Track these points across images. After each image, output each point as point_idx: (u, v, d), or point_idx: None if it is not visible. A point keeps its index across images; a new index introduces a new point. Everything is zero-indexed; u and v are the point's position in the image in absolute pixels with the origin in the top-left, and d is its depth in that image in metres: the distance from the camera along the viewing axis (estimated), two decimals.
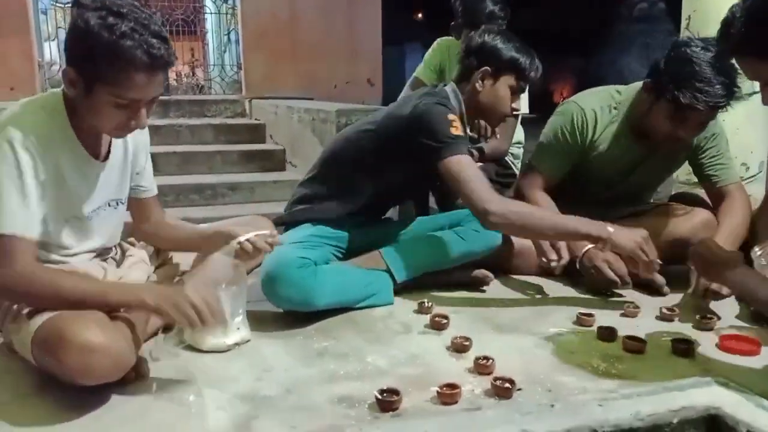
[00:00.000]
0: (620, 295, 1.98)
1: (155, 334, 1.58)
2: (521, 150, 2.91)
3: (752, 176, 2.68)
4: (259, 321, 1.71)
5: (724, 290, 1.77)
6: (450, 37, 2.75)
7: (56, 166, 1.36)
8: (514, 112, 2.04)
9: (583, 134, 2.08)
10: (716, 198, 2.08)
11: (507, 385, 1.33)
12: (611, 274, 1.88)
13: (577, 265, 1.98)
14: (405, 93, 2.71)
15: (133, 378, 1.35)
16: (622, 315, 1.82)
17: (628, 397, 1.18)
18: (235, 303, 1.56)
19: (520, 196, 2.14)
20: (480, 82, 1.93)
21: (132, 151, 1.57)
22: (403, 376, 1.42)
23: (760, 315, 1.73)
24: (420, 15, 17.97)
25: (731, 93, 1.81)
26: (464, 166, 1.78)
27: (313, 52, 5.67)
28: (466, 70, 1.97)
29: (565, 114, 2.12)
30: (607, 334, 1.64)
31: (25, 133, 1.29)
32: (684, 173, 2.60)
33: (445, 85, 1.99)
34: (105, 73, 1.27)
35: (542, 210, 1.93)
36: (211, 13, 5.95)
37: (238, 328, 1.56)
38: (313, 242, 1.83)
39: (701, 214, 2.04)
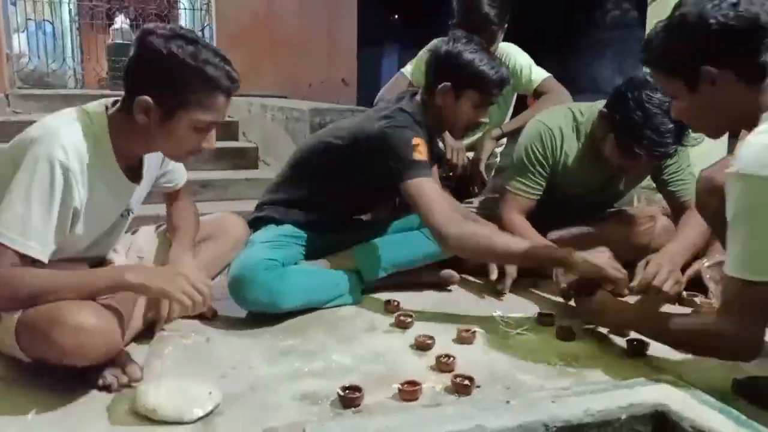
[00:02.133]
0: None
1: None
2: (496, 160, 2.85)
3: None
4: (225, 319, 1.73)
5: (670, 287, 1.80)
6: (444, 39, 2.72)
7: (90, 191, 1.35)
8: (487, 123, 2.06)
9: (553, 152, 2.10)
10: (677, 210, 2.11)
11: (466, 382, 1.37)
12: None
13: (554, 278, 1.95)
14: (384, 92, 2.70)
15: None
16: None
17: (580, 394, 1.22)
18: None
19: (497, 221, 2.13)
20: (441, 97, 1.91)
21: (164, 160, 1.61)
22: (366, 373, 1.46)
23: None
24: (397, 16, 17.99)
25: (679, 140, 1.82)
26: (424, 190, 1.77)
27: (289, 51, 5.66)
28: (429, 84, 1.94)
29: (532, 133, 2.13)
30: (565, 333, 1.70)
31: (68, 157, 1.28)
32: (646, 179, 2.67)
33: (414, 95, 1.98)
34: (188, 99, 1.31)
35: (502, 234, 1.88)
36: (185, 9, 5.90)
37: (210, 392, 1.27)
38: (281, 242, 1.85)
39: (661, 221, 2.11)
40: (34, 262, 1.27)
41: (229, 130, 4.97)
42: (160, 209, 1.81)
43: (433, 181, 1.83)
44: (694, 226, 1.98)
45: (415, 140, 1.81)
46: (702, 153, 2.50)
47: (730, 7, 1.21)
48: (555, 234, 2.20)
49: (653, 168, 2.11)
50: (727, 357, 1.38)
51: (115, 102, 1.43)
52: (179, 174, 1.73)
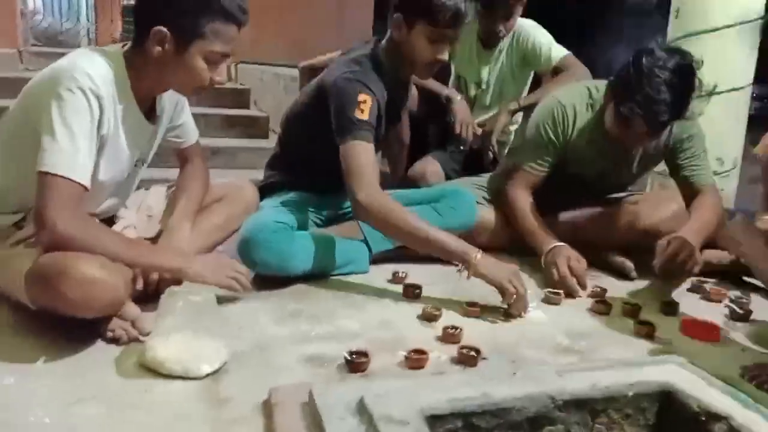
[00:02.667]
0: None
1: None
2: (510, 137, 2.78)
3: (726, 171, 2.74)
4: None
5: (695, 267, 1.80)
6: None
7: (110, 125, 1.38)
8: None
9: (564, 130, 2.07)
10: (689, 195, 2.08)
11: (472, 353, 1.37)
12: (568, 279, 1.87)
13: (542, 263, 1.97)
14: None
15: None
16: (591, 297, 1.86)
17: (587, 369, 1.22)
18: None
19: (503, 195, 2.13)
20: (396, 31, 1.81)
21: (175, 110, 1.64)
22: (373, 339, 1.46)
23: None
24: None
25: (677, 113, 1.79)
26: (356, 153, 1.70)
27: (301, 17, 5.59)
28: (389, 17, 1.84)
29: (545, 110, 2.11)
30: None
31: (96, 85, 1.31)
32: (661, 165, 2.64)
33: (380, 40, 1.88)
34: (203, 29, 1.34)
35: (414, 216, 1.74)
36: None
37: (219, 349, 1.28)
38: (290, 206, 1.84)
39: (672, 206, 2.07)
40: None
41: (240, 98, 4.94)
42: (171, 174, 1.80)
43: (369, 147, 1.73)
44: (709, 207, 1.98)
45: (361, 96, 1.73)
46: (710, 122, 2.47)
47: None
48: (567, 214, 2.19)
49: (668, 152, 2.09)
50: None
51: (126, 45, 1.45)
52: (190, 129, 1.73)
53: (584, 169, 2.13)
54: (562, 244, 1.95)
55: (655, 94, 1.74)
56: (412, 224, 1.70)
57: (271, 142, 4.44)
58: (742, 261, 1.92)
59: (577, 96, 2.10)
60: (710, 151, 2.33)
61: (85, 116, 1.30)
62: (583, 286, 1.87)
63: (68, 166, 1.27)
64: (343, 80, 1.76)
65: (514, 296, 1.64)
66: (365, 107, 1.73)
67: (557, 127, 2.07)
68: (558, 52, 2.52)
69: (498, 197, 2.20)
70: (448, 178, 2.54)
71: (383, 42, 1.87)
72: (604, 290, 1.89)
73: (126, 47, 1.44)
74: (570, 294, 1.84)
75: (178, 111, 1.66)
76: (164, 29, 1.34)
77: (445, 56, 1.83)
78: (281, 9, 5.57)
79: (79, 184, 1.29)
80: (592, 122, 2.06)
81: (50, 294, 1.24)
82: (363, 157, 1.71)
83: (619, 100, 1.83)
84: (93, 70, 1.32)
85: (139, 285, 1.45)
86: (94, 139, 1.33)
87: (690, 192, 2.08)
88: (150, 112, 1.52)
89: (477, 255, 1.67)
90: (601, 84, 2.10)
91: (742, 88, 2.70)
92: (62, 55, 1.44)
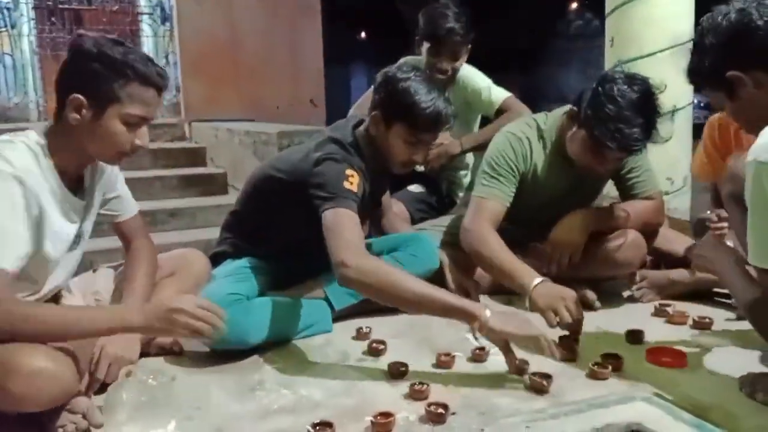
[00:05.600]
0: None
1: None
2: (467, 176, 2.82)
3: (677, 190, 2.80)
4: (192, 355, 1.67)
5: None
6: (416, 57, 2.63)
7: (40, 205, 1.36)
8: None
9: (524, 159, 2.09)
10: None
11: (440, 410, 1.34)
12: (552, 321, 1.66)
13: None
14: (354, 110, 2.69)
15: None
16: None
17: (555, 416, 1.21)
18: None
19: (467, 232, 2.03)
20: (375, 126, 1.79)
21: (109, 182, 1.61)
22: (337, 406, 1.41)
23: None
24: (364, 34, 18.10)
25: (648, 135, 1.84)
26: (341, 219, 1.62)
27: (254, 74, 5.63)
28: (368, 111, 1.82)
29: (501, 141, 2.12)
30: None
31: (14, 167, 1.30)
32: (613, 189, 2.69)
33: (359, 124, 1.88)
34: (119, 93, 1.34)
35: (406, 274, 1.59)
36: (147, 37, 5.83)
37: None
38: (244, 274, 1.81)
39: (629, 234, 2.07)
40: None
41: (196, 157, 4.91)
42: (114, 242, 1.75)
43: (354, 215, 1.66)
44: (645, 204, 2.11)
45: (349, 171, 1.70)
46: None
47: (737, 12, 1.26)
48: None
49: (614, 172, 2.12)
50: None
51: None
52: (127, 202, 1.69)
53: (542, 197, 2.15)
54: (547, 279, 1.76)
55: (629, 117, 1.79)
56: (407, 286, 1.53)
57: (231, 198, 4.40)
58: (710, 278, 1.94)
59: (527, 129, 2.14)
60: (660, 172, 2.39)
61: (7, 200, 1.27)
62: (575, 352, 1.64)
63: None
64: (332, 157, 1.73)
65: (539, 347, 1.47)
66: (353, 180, 1.70)
67: (517, 156, 2.08)
68: (498, 94, 2.59)
69: (463, 235, 2.12)
70: (412, 218, 2.56)
71: (361, 129, 1.86)
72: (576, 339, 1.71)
73: (45, 128, 1.44)
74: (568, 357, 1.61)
75: (112, 182, 1.62)
76: (80, 96, 1.34)
77: (420, 158, 1.83)
78: (235, 65, 5.61)
79: (5, 270, 1.25)
80: (546, 152, 2.09)
81: None
82: (348, 224, 1.63)
83: (596, 131, 1.85)
84: (12, 154, 1.32)
85: (83, 386, 1.36)
86: (21, 221, 1.30)
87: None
88: (78, 186, 1.50)
89: (487, 312, 1.48)
90: (545, 115, 2.16)
91: (683, 107, 2.79)
92: (11, 131, 1.45)
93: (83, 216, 1.52)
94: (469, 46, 2.54)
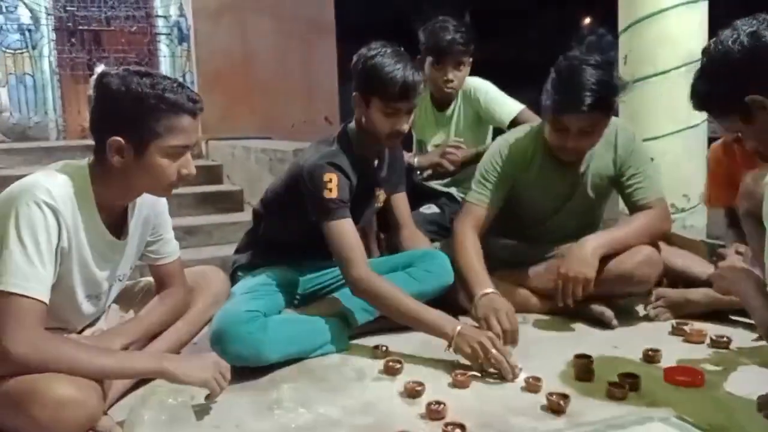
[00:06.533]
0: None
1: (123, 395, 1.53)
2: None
3: (693, 207, 2.78)
4: None
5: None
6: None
7: (78, 244, 1.37)
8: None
9: (514, 164, 2.11)
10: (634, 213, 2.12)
11: (457, 430, 1.34)
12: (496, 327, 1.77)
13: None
14: None
15: None
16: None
17: None
18: None
19: (451, 238, 2.13)
20: (357, 108, 1.90)
21: (151, 224, 1.61)
22: (355, 426, 1.42)
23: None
24: None
25: (601, 100, 1.84)
26: (336, 233, 1.80)
27: (269, 92, 5.71)
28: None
29: (493, 148, 2.17)
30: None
31: (53, 198, 1.30)
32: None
33: (349, 123, 1.99)
34: (156, 127, 1.33)
35: (403, 293, 1.80)
36: (165, 57, 5.94)
37: None
38: (261, 291, 1.82)
39: (644, 250, 2.04)
40: None
41: (212, 174, 4.97)
42: None
43: (346, 223, 1.82)
44: (647, 216, 2.06)
45: (326, 176, 1.80)
46: (674, 162, 2.52)
47: (748, 36, 1.24)
48: (539, 267, 2.18)
49: (615, 173, 2.12)
50: None
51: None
52: (170, 246, 1.69)
53: (538, 204, 2.16)
54: (495, 291, 1.87)
55: (577, 80, 1.83)
56: (402, 303, 1.76)
57: (246, 215, 4.44)
58: (726, 298, 1.92)
59: (521, 133, 2.18)
60: (675, 189, 2.38)
61: (41, 230, 1.28)
62: (514, 372, 1.64)
63: (23, 283, 1.25)
64: (312, 165, 1.84)
65: (495, 363, 1.63)
66: (332, 185, 1.80)
67: (506, 161, 2.12)
68: (512, 108, 2.55)
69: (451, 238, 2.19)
70: None
71: (352, 120, 1.96)
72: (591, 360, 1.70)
73: (91, 160, 1.44)
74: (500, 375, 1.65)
75: (159, 225, 1.63)
76: (119, 138, 1.34)
77: (404, 127, 1.89)
78: (250, 83, 5.70)
79: (36, 300, 1.26)
80: (542, 154, 2.12)
81: (20, 419, 1.21)
82: (345, 236, 1.80)
83: (546, 101, 1.91)
84: (52, 185, 1.32)
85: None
86: (53, 252, 1.31)
87: (635, 208, 2.11)
88: (120, 225, 1.50)
89: (456, 328, 1.66)
90: (538, 122, 2.17)
91: (697, 125, 2.78)
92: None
93: (121, 256, 1.52)
94: (471, 59, 2.54)
